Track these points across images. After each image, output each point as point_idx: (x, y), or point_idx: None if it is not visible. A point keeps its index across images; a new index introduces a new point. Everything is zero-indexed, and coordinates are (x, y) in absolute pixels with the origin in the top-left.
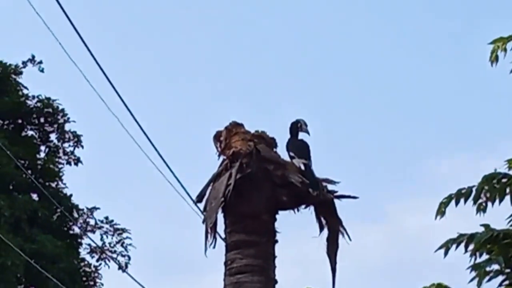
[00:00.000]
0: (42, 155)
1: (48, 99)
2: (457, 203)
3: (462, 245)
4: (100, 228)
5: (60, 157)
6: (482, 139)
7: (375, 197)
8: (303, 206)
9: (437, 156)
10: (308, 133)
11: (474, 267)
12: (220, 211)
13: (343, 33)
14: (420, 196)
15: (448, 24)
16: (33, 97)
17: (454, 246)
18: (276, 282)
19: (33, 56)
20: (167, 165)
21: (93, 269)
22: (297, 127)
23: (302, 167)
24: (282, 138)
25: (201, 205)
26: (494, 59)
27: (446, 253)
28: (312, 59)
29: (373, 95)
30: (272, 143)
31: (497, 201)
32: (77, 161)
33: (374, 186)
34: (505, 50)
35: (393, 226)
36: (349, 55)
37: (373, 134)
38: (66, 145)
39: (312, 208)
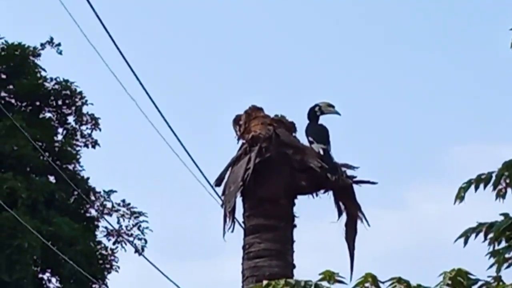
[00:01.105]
0: (60, 137)
1: (66, 81)
2: (476, 188)
3: (481, 234)
4: (117, 211)
5: (77, 140)
6: (499, 127)
7: (394, 184)
8: (322, 191)
9: (458, 143)
10: (337, 113)
11: (493, 253)
12: (239, 195)
13: (364, 18)
14: (439, 184)
15: (470, 10)
16: (51, 79)
17: (473, 235)
18: (294, 266)
19: (52, 38)
20: (185, 148)
21: (110, 252)
22: (315, 111)
23: (321, 152)
24: (303, 122)
25: (220, 189)
26: None
27: (466, 242)
28: (332, 43)
29: (395, 81)
30: (291, 127)
31: None
32: (95, 143)
33: (394, 173)
34: None
35: (412, 213)
36: (371, 40)
37: (395, 120)
38: (83, 127)
39: (330, 193)
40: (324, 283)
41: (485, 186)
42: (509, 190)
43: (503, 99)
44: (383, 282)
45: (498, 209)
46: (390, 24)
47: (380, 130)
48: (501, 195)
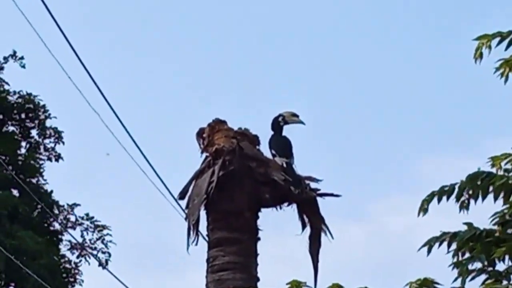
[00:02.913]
0: (23, 151)
1: (29, 95)
2: (439, 200)
3: (445, 243)
4: (80, 224)
5: (41, 153)
6: (466, 138)
7: (358, 196)
8: (285, 204)
9: (421, 155)
10: (302, 123)
11: (456, 264)
12: (202, 208)
13: (328, 29)
14: (403, 195)
15: (432, 23)
16: (14, 92)
17: (437, 244)
18: (258, 279)
19: (15, 52)
20: (148, 162)
21: (73, 265)
22: (278, 122)
23: (284, 165)
24: (267, 135)
25: (184, 202)
26: (479, 56)
27: (429, 251)
28: (296, 56)
29: (357, 93)
30: (255, 140)
31: (479, 199)
32: (58, 157)
33: (358, 185)
34: (490, 47)
35: (376, 224)
36: (335, 53)
37: (357, 133)
38: (47, 141)
39: (294, 206)
40: None
41: (448, 198)
42: (472, 201)
43: (468, 112)
44: None
45: (464, 218)
46: (352, 32)
47: (345, 142)
48: (464, 206)
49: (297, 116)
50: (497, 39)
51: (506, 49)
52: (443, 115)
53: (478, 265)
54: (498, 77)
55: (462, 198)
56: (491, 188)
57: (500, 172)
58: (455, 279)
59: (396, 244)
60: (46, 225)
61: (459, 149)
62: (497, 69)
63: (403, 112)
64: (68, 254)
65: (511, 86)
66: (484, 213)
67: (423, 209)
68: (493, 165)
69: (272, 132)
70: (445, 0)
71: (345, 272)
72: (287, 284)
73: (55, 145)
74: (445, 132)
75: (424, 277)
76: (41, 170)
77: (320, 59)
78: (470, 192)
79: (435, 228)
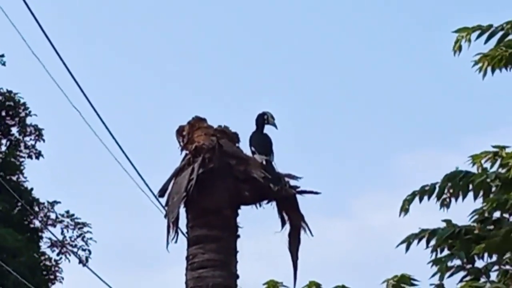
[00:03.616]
0: (3, 148)
1: (10, 92)
2: (421, 199)
3: (424, 240)
4: (60, 222)
5: (21, 151)
6: (447, 134)
7: (340, 192)
8: (265, 201)
9: (402, 151)
10: (275, 126)
11: (435, 261)
12: (182, 205)
13: (307, 27)
14: (385, 192)
15: (411, 18)
16: None
17: (415, 241)
18: (237, 277)
19: None
20: (129, 159)
21: (54, 263)
22: (263, 119)
23: (264, 162)
24: (246, 133)
25: (163, 200)
26: (458, 48)
27: (407, 248)
28: (277, 53)
29: (336, 90)
30: (234, 138)
31: (460, 197)
32: (38, 154)
33: (340, 181)
34: (469, 40)
35: (357, 221)
36: (314, 49)
37: (338, 130)
38: (27, 138)
39: (274, 203)
40: None
41: (429, 197)
42: (453, 199)
43: (450, 107)
44: None
45: (444, 216)
46: (334, 28)
47: (327, 139)
48: (445, 204)
49: (273, 118)
50: (477, 32)
51: (485, 42)
52: (424, 111)
53: (457, 262)
54: (477, 72)
55: (443, 197)
56: (470, 186)
57: (480, 170)
58: (433, 275)
59: (378, 241)
60: (26, 222)
61: (439, 146)
62: (476, 62)
63: (384, 109)
64: (48, 251)
65: (491, 82)
66: (463, 210)
67: (404, 209)
68: (473, 163)
69: (254, 128)
70: None
71: (328, 268)
72: (263, 284)
73: (35, 142)
74: (426, 129)
75: (402, 273)
76: (22, 167)
77: (300, 57)
78: (451, 191)
79: (417, 224)
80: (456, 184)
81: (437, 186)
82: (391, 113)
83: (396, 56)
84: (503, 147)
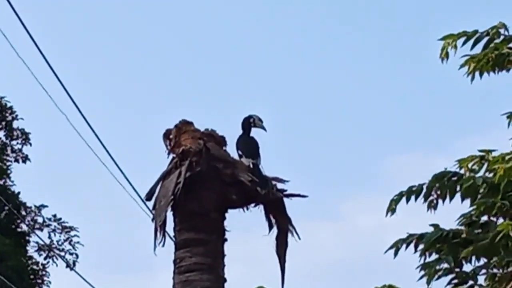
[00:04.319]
0: None
1: None
2: (407, 200)
3: (412, 245)
4: (48, 226)
5: (8, 155)
6: (435, 137)
7: (328, 196)
8: (252, 205)
9: (390, 154)
10: (264, 129)
11: (424, 266)
12: (169, 209)
13: (298, 32)
14: (373, 194)
15: (400, 22)
16: None
17: (404, 246)
18: (225, 280)
19: None
20: (115, 163)
21: (41, 267)
22: (249, 122)
23: (251, 166)
24: (233, 136)
25: (151, 203)
26: (445, 55)
27: (396, 254)
28: (263, 57)
29: (326, 93)
30: (221, 141)
31: (447, 199)
32: (25, 158)
33: (327, 184)
34: (455, 47)
35: (346, 224)
36: (301, 53)
37: (326, 132)
38: (14, 142)
39: (261, 206)
40: None
41: (416, 198)
42: (440, 201)
43: (437, 110)
44: None
45: (433, 220)
46: (321, 33)
47: (315, 142)
48: (432, 206)
49: (261, 121)
50: (463, 38)
51: (471, 48)
52: (412, 115)
53: (444, 265)
54: (465, 75)
55: (430, 198)
56: (458, 188)
57: (468, 174)
58: (420, 278)
59: (366, 244)
60: (13, 226)
61: (428, 149)
62: (462, 65)
63: (373, 112)
64: (35, 255)
65: (479, 85)
66: (450, 213)
67: (391, 209)
68: (460, 167)
69: (241, 132)
70: (411, 0)
71: (316, 271)
72: None
73: (22, 146)
74: (414, 131)
75: (389, 284)
76: (8, 171)
77: (287, 60)
78: (438, 192)
79: (405, 227)
80: (443, 185)
81: (424, 187)
82: (380, 116)
83: (384, 60)
84: (490, 151)
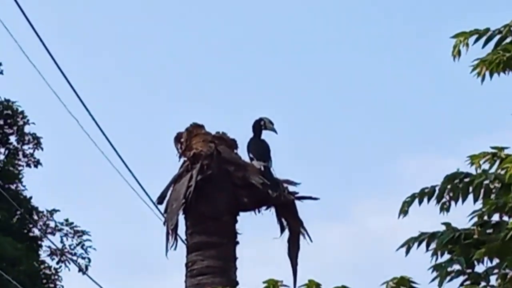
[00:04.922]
0: (2, 157)
1: (8, 101)
2: (420, 202)
3: (424, 243)
4: (60, 230)
5: (19, 159)
6: (445, 137)
7: (340, 197)
8: (264, 208)
9: (401, 155)
10: (275, 131)
11: (436, 267)
12: (181, 212)
13: (307, 33)
14: (384, 197)
15: (411, 22)
16: None
17: (415, 245)
18: (237, 283)
19: None
20: (127, 167)
21: (53, 271)
22: (260, 125)
23: (262, 169)
24: (245, 139)
25: (162, 207)
26: (457, 53)
27: (407, 252)
28: (276, 59)
29: (336, 95)
30: (232, 144)
31: (460, 200)
32: (37, 163)
33: (338, 187)
34: (467, 45)
35: (357, 226)
36: (314, 55)
37: (336, 135)
38: (25, 147)
39: (273, 209)
40: None
41: (428, 200)
42: (453, 203)
43: (449, 111)
44: None
45: (444, 219)
46: (332, 34)
47: (325, 144)
48: (445, 208)
49: (272, 123)
50: (474, 36)
51: (483, 46)
52: (424, 116)
53: (456, 267)
54: (475, 76)
55: (443, 200)
56: (470, 189)
57: (479, 171)
58: (433, 279)
59: (378, 246)
60: (25, 231)
61: (438, 149)
62: (474, 68)
63: (383, 114)
64: (48, 260)
65: (488, 85)
66: (463, 212)
67: (404, 211)
68: (472, 164)
69: (252, 134)
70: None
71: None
72: (263, 282)
73: (34, 151)
74: (425, 132)
75: (401, 275)
76: (20, 176)
77: (299, 62)
78: (451, 194)
79: (416, 229)
80: (455, 186)
81: (437, 189)
82: (390, 118)
83: (394, 60)
84: (502, 148)
